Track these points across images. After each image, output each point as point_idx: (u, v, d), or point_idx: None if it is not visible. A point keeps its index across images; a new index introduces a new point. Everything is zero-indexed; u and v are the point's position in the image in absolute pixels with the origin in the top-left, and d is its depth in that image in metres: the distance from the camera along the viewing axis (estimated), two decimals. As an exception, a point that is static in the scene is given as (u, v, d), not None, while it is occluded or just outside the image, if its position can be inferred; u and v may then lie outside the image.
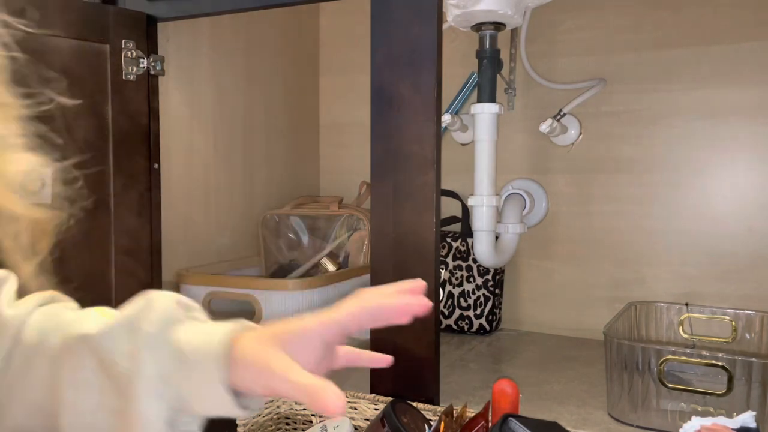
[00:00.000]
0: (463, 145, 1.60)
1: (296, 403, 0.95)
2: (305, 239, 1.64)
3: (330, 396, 0.34)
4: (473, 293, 1.50)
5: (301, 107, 1.78)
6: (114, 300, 1.10)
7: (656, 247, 1.43)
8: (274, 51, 1.67)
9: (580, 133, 1.49)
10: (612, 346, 1.00)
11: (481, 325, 1.50)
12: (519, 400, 0.75)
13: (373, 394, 0.91)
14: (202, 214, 1.45)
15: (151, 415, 0.35)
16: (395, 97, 0.96)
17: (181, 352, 0.36)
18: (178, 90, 1.36)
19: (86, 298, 0.49)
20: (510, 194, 1.52)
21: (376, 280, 0.99)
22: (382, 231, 0.98)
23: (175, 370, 0.36)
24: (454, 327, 1.53)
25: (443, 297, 1.52)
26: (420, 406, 0.86)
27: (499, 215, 1.34)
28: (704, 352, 0.95)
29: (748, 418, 0.66)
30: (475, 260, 1.48)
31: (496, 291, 1.52)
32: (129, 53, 1.16)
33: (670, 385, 0.96)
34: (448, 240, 1.53)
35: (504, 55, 1.35)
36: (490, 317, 1.51)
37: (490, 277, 1.49)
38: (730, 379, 0.91)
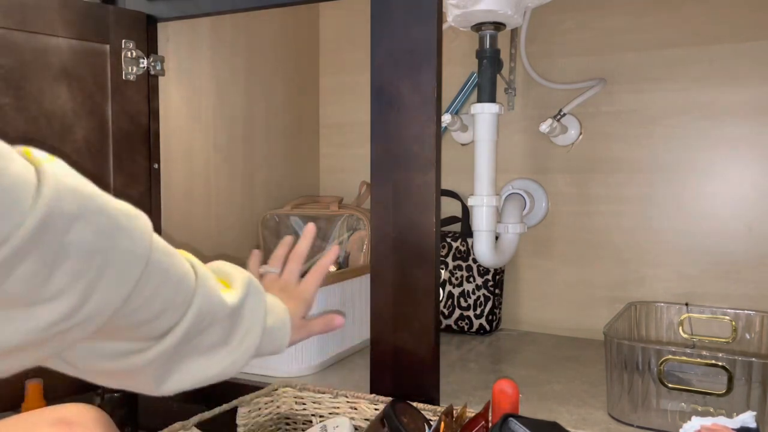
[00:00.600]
0: (463, 145, 1.60)
1: (296, 403, 0.96)
2: (305, 239, 1.63)
3: (335, 319, 0.74)
4: (473, 293, 1.50)
5: (301, 107, 1.78)
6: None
7: (656, 247, 1.43)
8: (274, 51, 1.66)
9: (580, 133, 1.49)
10: (612, 346, 1.00)
11: (481, 325, 1.50)
12: (519, 400, 0.75)
13: (373, 394, 0.91)
14: (202, 214, 1.45)
15: (251, 347, 0.59)
16: (395, 97, 0.96)
17: (270, 326, 0.62)
18: (178, 90, 1.36)
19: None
20: (510, 194, 1.52)
21: (376, 280, 0.99)
22: (382, 231, 0.98)
23: (267, 333, 0.61)
24: (454, 327, 1.53)
25: (443, 297, 1.52)
26: (420, 406, 0.86)
27: (499, 215, 1.34)
28: (704, 352, 0.95)
29: (748, 418, 0.66)
30: (475, 260, 1.48)
31: (496, 291, 1.52)
32: (129, 53, 1.16)
33: (670, 385, 0.96)
34: (448, 240, 1.53)
35: (504, 55, 1.35)
36: (490, 317, 1.51)
37: (490, 277, 1.49)
38: (730, 379, 0.91)
